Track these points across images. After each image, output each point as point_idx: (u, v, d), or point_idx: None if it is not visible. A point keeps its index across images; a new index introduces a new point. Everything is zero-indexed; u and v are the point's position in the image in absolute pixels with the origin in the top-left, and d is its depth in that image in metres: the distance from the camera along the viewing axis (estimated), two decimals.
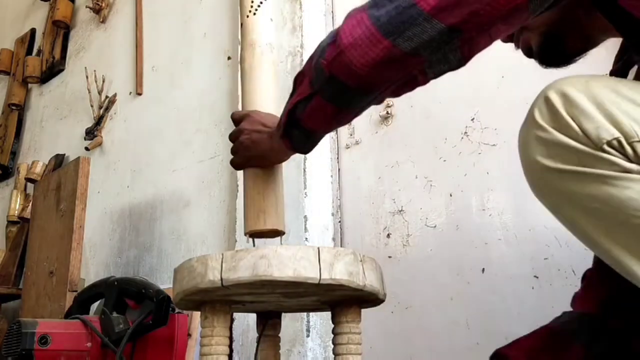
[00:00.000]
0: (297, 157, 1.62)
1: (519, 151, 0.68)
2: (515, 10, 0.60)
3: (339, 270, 0.73)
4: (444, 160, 1.47)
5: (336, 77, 0.67)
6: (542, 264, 1.23)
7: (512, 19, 0.62)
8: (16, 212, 2.66)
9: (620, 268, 0.62)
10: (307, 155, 1.62)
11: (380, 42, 0.62)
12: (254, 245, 0.90)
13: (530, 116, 0.65)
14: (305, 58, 1.71)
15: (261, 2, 0.92)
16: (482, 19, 0.60)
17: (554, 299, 1.21)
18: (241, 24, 0.93)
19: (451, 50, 0.63)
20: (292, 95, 0.77)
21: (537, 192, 0.68)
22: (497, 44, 1.37)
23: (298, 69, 1.70)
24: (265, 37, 0.92)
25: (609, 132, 0.60)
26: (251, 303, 0.87)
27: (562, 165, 0.62)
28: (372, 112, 1.65)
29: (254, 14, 0.92)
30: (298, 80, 0.76)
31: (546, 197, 0.67)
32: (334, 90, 0.69)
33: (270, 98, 0.91)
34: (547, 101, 0.63)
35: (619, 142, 0.59)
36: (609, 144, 0.59)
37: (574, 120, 0.61)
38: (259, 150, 0.87)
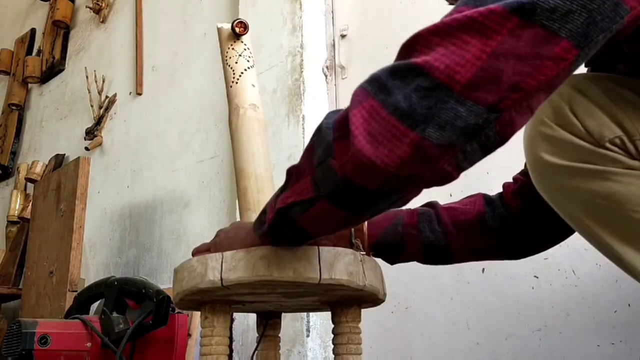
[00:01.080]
0: (297, 156, 1.62)
1: (524, 148, 0.68)
2: (557, 77, 0.51)
3: (339, 270, 0.73)
4: None
5: (353, 181, 0.54)
6: (542, 264, 1.23)
7: (555, 86, 0.52)
8: (16, 212, 2.67)
9: (620, 262, 0.63)
10: None
11: (405, 136, 0.50)
12: None
13: (536, 114, 0.66)
14: (306, 58, 1.71)
15: (242, 73, 1.00)
16: (522, 93, 0.49)
17: (554, 299, 1.21)
18: (227, 92, 1.02)
19: (487, 135, 0.51)
20: (283, 189, 0.66)
21: (540, 188, 0.69)
22: None
23: (298, 69, 1.71)
24: (248, 99, 0.99)
25: (612, 130, 0.60)
26: (251, 303, 0.88)
27: (566, 161, 0.63)
28: None
29: (236, 83, 0.99)
30: (293, 175, 0.64)
31: (550, 193, 0.68)
32: (348, 195, 0.57)
33: (259, 152, 0.97)
34: (552, 99, 0.64)
35: (622, 140, 0.60)
36: (612, 141, 0.61)
37: (577, 118, 0.62)
38: (236, 242, 0.77)
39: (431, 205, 0.92)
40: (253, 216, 0.86)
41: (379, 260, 0.86)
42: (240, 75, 1.00)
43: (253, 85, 1.01)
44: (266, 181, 0.93)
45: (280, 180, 0.70)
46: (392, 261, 0.94)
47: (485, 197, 0.91)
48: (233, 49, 1.02)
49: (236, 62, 1.01)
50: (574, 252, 1.19)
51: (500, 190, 0.92)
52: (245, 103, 0.99)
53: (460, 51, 0.50)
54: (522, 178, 0.86)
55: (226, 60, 1.02)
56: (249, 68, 1.02)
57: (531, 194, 0.72)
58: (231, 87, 1.00)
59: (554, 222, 0.71)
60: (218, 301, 0.80)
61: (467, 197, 0.93)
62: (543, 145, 0.64)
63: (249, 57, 1.02)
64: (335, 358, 0.83)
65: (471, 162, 0.54)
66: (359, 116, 0.53)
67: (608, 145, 0.60)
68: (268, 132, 1.48)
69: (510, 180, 0.91)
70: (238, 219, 1.70)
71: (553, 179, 0.65)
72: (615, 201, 0.60)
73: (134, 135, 2.32)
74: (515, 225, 0.86)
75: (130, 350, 1.27)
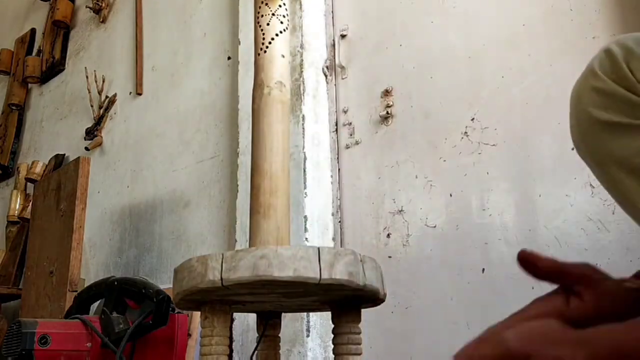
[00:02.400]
0: (297, 156, 1.63)
1: (571, 104, 0.64)
2: None
3: (339, 270, 0.73)
4: (444, 160, 1.47)
5: None
6: None
7: None
8: (16, 212, 2.67)
9: None
10: (308, 155, 1.62)
11: None
12: None
13: (588, 67, 0.62)
14: (306, 58, 1.71)
15: (272, 39, 0.88)
16: None
17: None
18: (254, 60, 0.91)
19: None
20: None
21: (583, 146, 0.64)
22: (496, 44, 1.37)
23: (298, 69, 1.71)
24: (275, 75, 0.88)
25: None
26: (251, 303, 0.87)
27: (615, 117, 0.59)
28: (372, 112, 1.65)
29: (265, 52, 0.88)
30: None
31: (592, 152, 0.63)
32: None
33: (277, 146, 0.88)
34: (608, 52, 0.61)
35: None
36: None
37: (632, 73, 0.58)
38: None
39: None
40: (262, 220, 0.85)
41: (379, 260, 0.86)
42: (270, 42, 0.88)
43: (283, 56, 0.90)
44: (281, 181, 0.88)
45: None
46: None
47: None
48: (267, 4, 0.88)
49: (268, 24, 0.88)
50: (574, 252, 1.19)
51: None
52: (271, 80, 0.88)
53: None
54: None
55: (257, 19, 0.89)
56: (281, 32, 0.89)
57: None
58: (259, 55, 0.89)
59: None
60: (218, 301, 0.80)
61: None
62: (592, 98, 0.60)
63: (284, 16, 0.90)
64: (335, 358, 0.83)
65: None
66: None
67: None
68: None
69: None
70: (238, 219, 1.70)
71: (598, 136, 0.60)
72: None
73: (134, 135, 2.32)
74: None
75: (130, 350, 1.27)
